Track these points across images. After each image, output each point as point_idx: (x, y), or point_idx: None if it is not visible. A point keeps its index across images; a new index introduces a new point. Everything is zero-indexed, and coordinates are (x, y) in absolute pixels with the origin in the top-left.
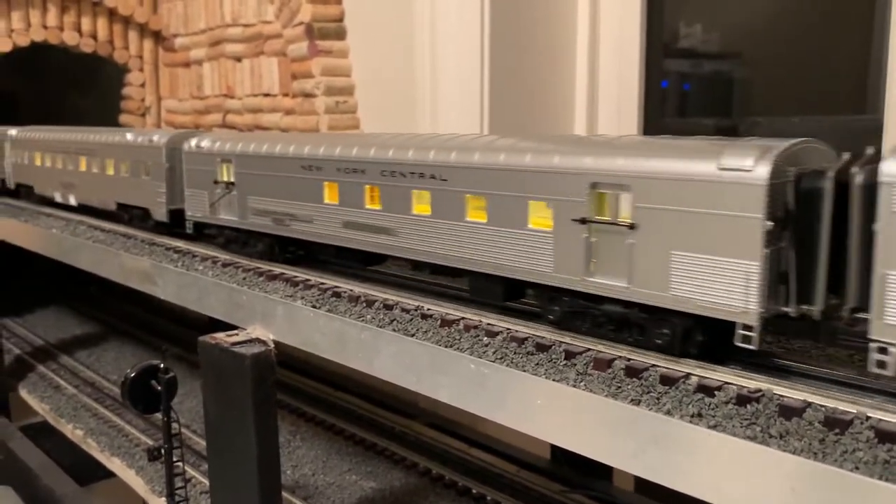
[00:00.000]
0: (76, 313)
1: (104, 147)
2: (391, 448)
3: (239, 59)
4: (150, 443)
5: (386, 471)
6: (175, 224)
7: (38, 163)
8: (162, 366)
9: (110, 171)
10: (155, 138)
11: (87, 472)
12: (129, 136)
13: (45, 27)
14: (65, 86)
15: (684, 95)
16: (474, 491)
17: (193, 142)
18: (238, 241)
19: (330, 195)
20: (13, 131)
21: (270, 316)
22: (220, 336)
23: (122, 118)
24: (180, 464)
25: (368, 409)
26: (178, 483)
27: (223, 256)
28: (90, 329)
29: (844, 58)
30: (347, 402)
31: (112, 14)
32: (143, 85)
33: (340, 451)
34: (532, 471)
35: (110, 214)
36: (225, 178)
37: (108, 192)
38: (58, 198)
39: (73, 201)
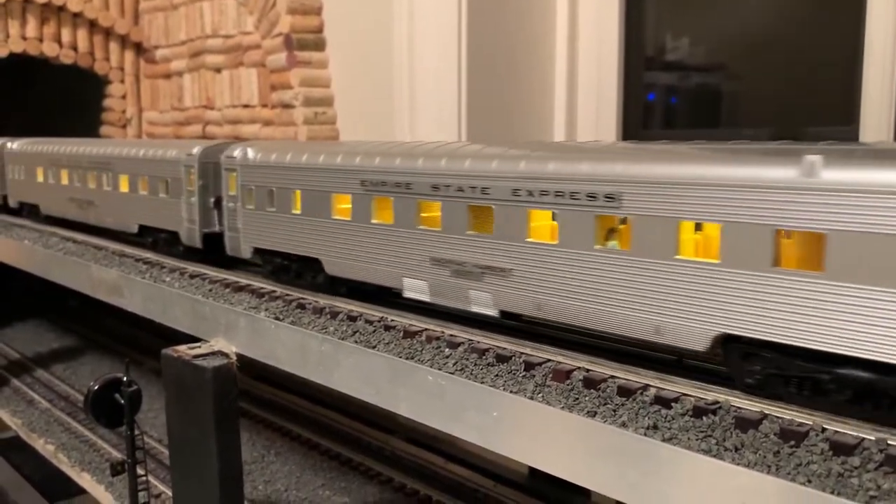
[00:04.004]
0: (54, 326)
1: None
2: (366, 463)
3: (219, 70)
4: (121, 457)
5: (360, 486)
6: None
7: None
8: (125, 379)
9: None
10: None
11: (58, 488)
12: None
13: (24, 38)
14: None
15: (654, 107)
16: None
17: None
18: None
19: None
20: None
21: (233, 328)
22: (183, 349)
23: (103, 130)
24: (145, 478)
25: (346, 424)
26: (143, 498)
27: (191, 268)
28: (68, 342)
29: (833, 71)
30: (325, 416)
31: (92, 25)
32: (124, 96)
33: (315, 465)
34: (510, 486)
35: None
36: None
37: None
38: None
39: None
